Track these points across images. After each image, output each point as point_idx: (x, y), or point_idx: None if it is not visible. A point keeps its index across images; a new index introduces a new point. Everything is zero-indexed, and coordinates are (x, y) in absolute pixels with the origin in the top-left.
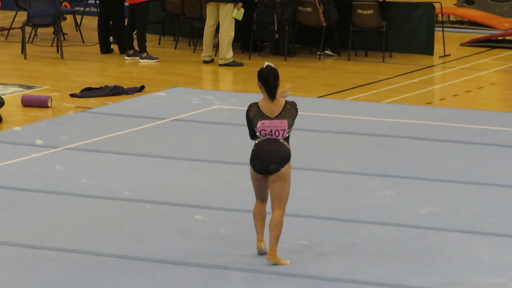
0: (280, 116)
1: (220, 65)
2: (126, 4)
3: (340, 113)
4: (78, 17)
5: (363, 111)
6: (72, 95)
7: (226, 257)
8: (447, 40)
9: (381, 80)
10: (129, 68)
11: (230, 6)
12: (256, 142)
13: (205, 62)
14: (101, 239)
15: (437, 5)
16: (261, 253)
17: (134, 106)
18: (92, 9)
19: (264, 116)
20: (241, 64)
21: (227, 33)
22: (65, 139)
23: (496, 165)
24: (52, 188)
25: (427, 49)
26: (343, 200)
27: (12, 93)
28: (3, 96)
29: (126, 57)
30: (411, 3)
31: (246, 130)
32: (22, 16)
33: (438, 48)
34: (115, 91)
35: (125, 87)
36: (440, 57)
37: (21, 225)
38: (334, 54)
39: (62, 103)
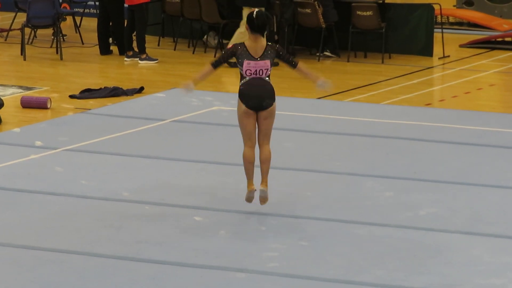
0: (263, 56)
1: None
2: (126, 5)
3: (340, 114)
4: (78, 19)
5: (363, 112)
6: (71, 96)
7: (226, 258)
8: (446, 42)
9: (380, 81)
10: (128, 69)
11: (245, 9)
12: (243, 81)
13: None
14: (100, 240)
15: (436, 7)
16: (250, 197)
17: (134, 107)
18: (92, 10)
19: (250, 56)
20: None
21: (238, 35)
22: (64, 140)
23: (496, 166)
24: (51, 189)
25: (426, 51)
26: (342, 201)
27: (12, 94)
28: (2, 97)
29: (126, 58)
30: (410, 5)
31: None
32: (22, 17)
33: (437, 49)
34: (115, 92)
35: (125, 88)
36: (439, 58)
37: (20, 226)
38: (333, 55)
39: (62, 104)
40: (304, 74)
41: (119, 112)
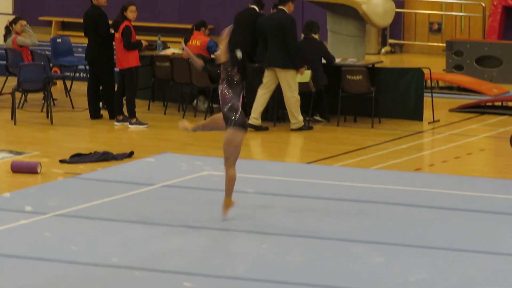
0: None
1: (292, 129)
2: (116, 69)
3: (329, 179)
4: (68, 83)
5: (352, 177)
6: (61, 161)
7: None
8: (436, 106)
9: (370, 146)
10: (118, 133)
11: (289, 71)
12: (239, 113)
13: (250, 126)
14: None
15: (426, 71)
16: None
17: (123, 172)
18: (82, 74)
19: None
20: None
21: (291, 99)
22: (54, 205)
23: (486, 232)
24: (41, 255)
25: (416, 115)
26: (331, 267)
27: (2, 159)
28: None
29: (116, 123)
30: (400, 69)
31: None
32: (12, 81)
33: (427, 113)
34: (104, 157)
35: (115, 152)
36: (429, 122)
37: None
38: (323, 120)
39: (52, 169)
40: None
41: (109, 177)
